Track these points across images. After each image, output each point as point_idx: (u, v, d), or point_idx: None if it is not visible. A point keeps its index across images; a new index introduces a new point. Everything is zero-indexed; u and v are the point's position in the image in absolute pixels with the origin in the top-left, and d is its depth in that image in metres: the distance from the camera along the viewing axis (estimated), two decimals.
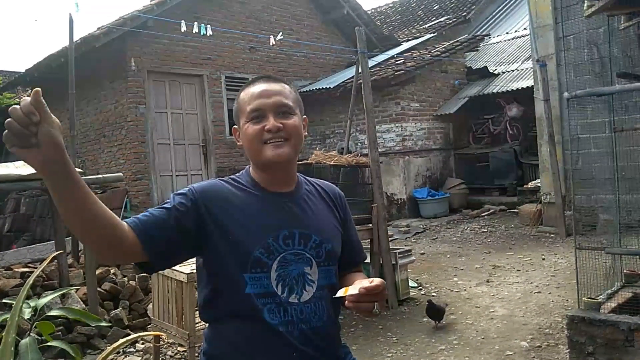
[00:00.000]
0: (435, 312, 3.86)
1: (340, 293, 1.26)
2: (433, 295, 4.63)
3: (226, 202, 1.33)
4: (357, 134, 9.37)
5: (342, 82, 9.45)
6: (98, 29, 8.13)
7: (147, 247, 1.21)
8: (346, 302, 1.24)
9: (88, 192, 1.09)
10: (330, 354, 1.39)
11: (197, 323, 3.06)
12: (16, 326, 1.19)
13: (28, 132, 0.96)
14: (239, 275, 1.30)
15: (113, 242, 1.15)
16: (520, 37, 10.86)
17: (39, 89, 0.97)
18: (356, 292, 1.22)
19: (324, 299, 1.37)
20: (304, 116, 1.45)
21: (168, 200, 1.31)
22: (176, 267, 2.85)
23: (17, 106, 0.95)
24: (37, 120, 0.96)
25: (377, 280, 1.25)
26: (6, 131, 0.95)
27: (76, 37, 5.95)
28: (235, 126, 1.45)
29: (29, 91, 12.38)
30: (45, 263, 1.57)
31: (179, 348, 3.66)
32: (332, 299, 1.35)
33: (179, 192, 1.33)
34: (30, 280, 1.28)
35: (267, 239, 1.32)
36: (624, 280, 3.35)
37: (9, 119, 0.95)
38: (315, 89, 9.84)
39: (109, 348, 1.26)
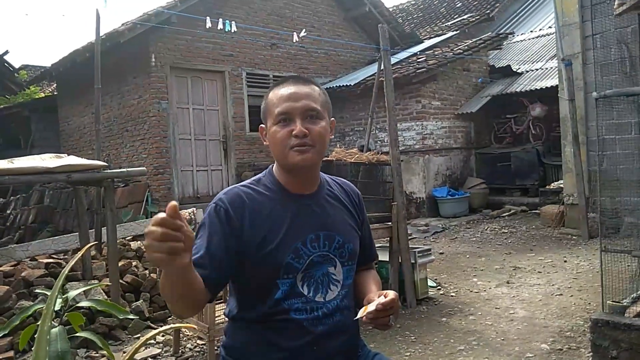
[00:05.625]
0: None
1: (361, 313, 1.30)
2: (452, 296, 4.60)
3: (253, 212, 1.35)
4: (377, 131, 9.33)
5: (363, 80, 9.42)
6: (122, 24, 8.25)
7: (214, 294, 1.31)
8: (363, 318, 1.29)
9: (194, 273, 1.17)
10: (351, 347, 1.45)
11: (216, 317, 3.10)
12: (52, 315, 1.22)
13: (180, 234, 0.98)
14: (271, 282, 1.33)
15: (199, 305, 1.29)
16: (544, 36, 10.71)
17: (175, 204, 0.98)
18: (374, 308, 1.26)
19: (348, 296, 1.43)
20: (332, 118, 1.45)
21: (205, 221, 1.34)
22: None
23: (158, 218, 0.96)
24: (180, 225, 0.98)
25: (391, 294, 1.29)
26: (156, 242, 0.96)
27: (101, 33, 6.03)
28: (262, 125, 1.45)
29: (54, 85, 12.62)
30: (80, 253, 1.61)
31: (199, 341, 3.70)
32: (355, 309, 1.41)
33: (213, 209, 1.35)
34: (66, 270, 1.32)
35: (296, 244, 1.35)
36: None
37: (154, 229, 0.95)
38: (336, 86, 9.83)
39: (142, 339, 1.29)
